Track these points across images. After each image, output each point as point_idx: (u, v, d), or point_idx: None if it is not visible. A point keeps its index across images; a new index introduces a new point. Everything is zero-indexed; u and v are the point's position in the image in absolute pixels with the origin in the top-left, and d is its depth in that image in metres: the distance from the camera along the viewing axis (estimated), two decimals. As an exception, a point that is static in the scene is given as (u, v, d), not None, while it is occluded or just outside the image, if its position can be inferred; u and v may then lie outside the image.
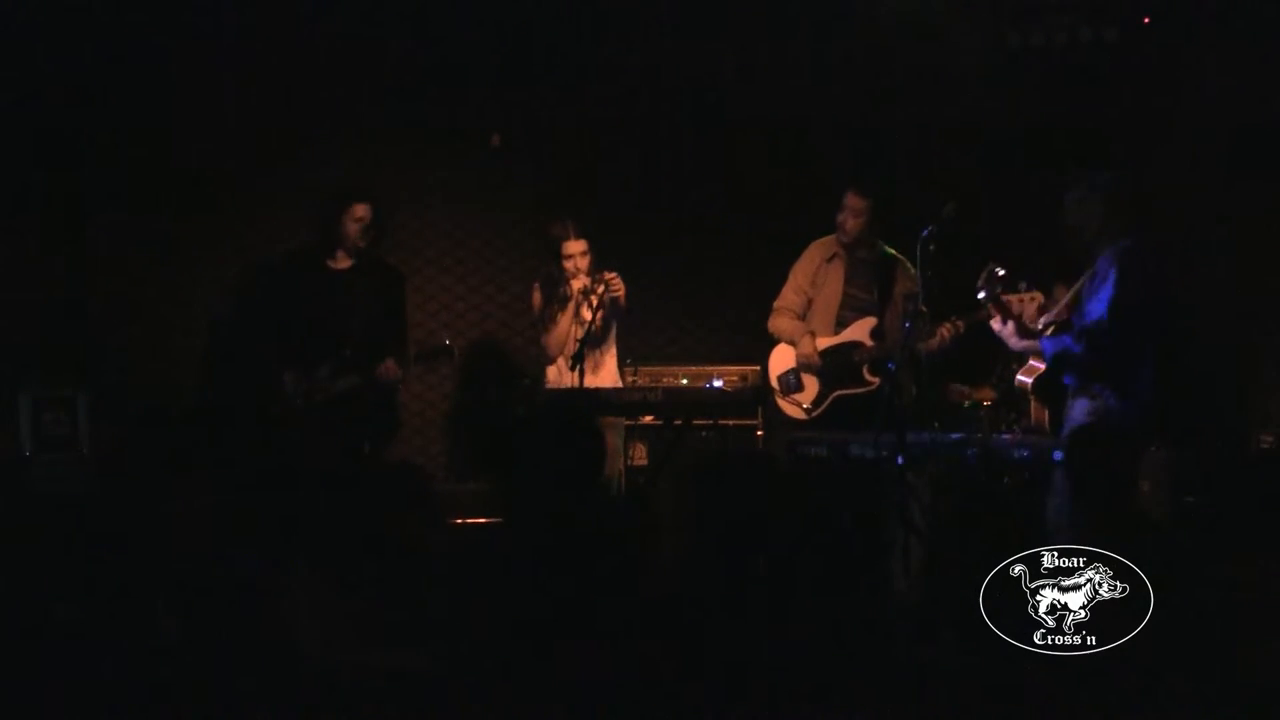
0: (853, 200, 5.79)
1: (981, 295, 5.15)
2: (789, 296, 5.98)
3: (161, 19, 6.77)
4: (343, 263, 5.95)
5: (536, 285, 6.03)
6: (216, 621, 4.64)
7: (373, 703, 3.97)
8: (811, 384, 5.85)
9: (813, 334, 5.85)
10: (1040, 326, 5.11)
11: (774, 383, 5.96)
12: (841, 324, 5.84)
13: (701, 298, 7.23)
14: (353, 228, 5.88)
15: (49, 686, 4.13)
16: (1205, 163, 6.72)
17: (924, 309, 5.39)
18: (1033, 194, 6.49)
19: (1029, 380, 5.78)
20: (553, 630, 4.54)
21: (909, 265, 5.76)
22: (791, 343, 5.90)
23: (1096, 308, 4.87)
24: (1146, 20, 6.80)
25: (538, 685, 4.09)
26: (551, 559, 5.10)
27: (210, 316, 6.87)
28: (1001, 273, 5.10)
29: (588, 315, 5.82)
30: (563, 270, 5.87)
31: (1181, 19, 6.78)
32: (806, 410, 5.82)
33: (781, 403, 5.92)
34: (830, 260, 5.90)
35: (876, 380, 5.70)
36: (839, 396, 5.77)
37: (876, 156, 6.85)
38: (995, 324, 5.37)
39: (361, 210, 5.89)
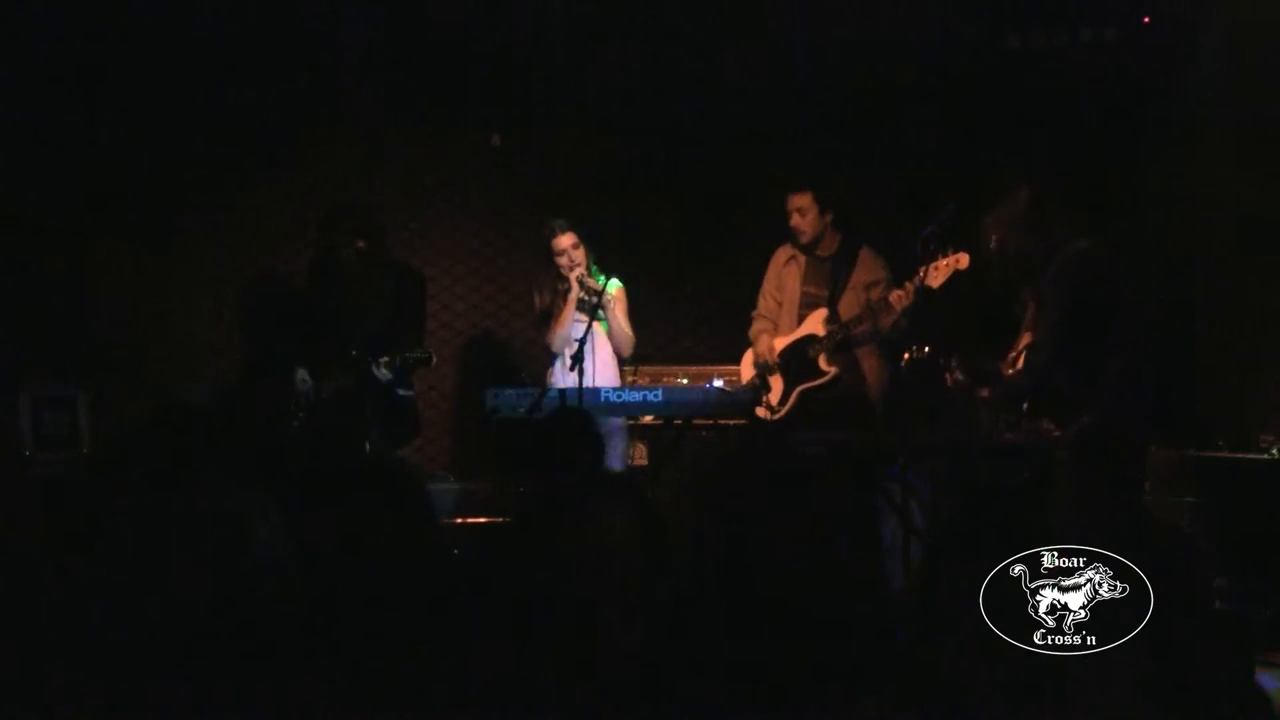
0: (792, 200, 5.82)
1: (947, 368, 5.15)
2: (762, 304, 6.07)
3: (162, 18, 6.78)
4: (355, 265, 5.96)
5: (534, 289, 6.07)
6: (217, 621, 4.62)
7: (372, 704, 3.95)
8: (776, 383, 5.90)
9: (770, 334, 5.90)
10: (1008, 365, 5.02)
11: None
12: (801, 323, 5.90)
13: (701, 298, 7.24)
14: (345, 253, 5.89)
15: (48, 687, 4.10)
16: (1206, 162, 6.71)
17: (890, 299, 5.47)
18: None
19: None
20: (550, 630, 4.52)
21: (875, 255, 5.80)
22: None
23: (1042, 327, 4.67)
24: (1146, 20, 6.80)
25: (535, 685, 4.07)
26: (550, 559, 5.07)
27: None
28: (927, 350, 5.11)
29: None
30: (557, 267, 5.89)
31: (1181, 19, 6.78)
32: (772, 410, 5.83)
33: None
34: (788, 263, 5.97)
35: (834, 369, 5.75)
36: (802, 391, 5.81)
37: (816, 155, 6.85)
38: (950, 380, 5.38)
39: (346, 250, 5.88)
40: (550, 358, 6.04)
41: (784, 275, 5.96)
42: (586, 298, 5.87)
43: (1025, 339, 4.97)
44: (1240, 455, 5.85)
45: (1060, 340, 4.61)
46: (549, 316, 5.96)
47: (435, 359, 5.89)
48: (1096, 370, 4.64)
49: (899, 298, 5.48)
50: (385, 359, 5.67)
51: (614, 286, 5.96)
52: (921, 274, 5.36)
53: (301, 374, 5.82)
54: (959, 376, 5.23)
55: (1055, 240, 4.68)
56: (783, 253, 6.01)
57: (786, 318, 5.93)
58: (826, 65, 7.03)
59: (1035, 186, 4.76)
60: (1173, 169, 6.69)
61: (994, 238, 4.79)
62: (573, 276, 5.86)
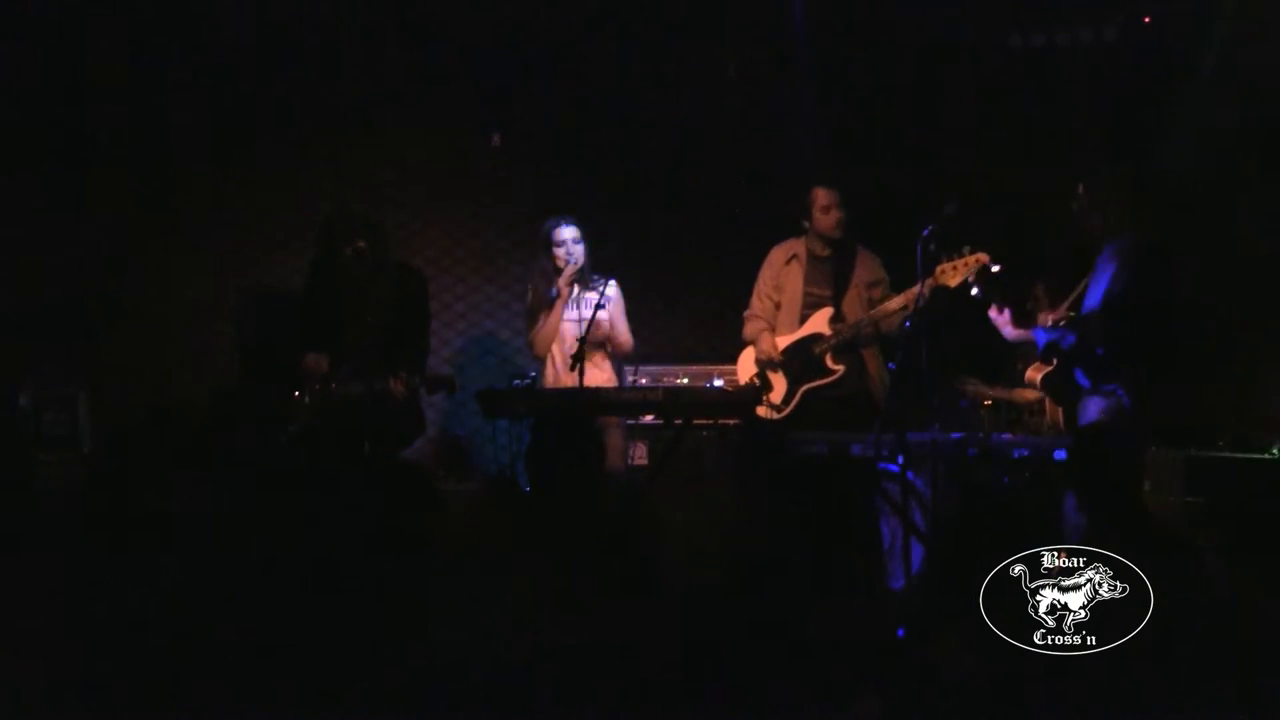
0: (826, 195, 5.80)
1: (974, 292, 5.24)
2: (757, 304, 6.02)
3: (162, 18, 6.78)
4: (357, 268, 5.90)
5: (530, 285, 6.05)
6: (217, 622, 4.64)
7: (369, 705, 3.96)
8: (779, 382, 5.87)
9: (771, 331, 5.88)
10: (1049, 322, 5.16)
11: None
12: (804, 323, 5.88)
13: (702, 298, 7.23)
14: (346, 253, 5.81)
15: (47, 687, 4.12)
16: (1206, 163, 6.72)
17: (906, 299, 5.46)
18: (1032, 192, 6.52)
19: (1038, 376, 5.79)
20: (548, 630, 4.54)
21: (872, 254, 5.80)
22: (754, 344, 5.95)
23: (1092, 300, 4.92)
24: (1147, 20, 6.80)
25: (535, 685, 4.09)
26: (550, 558, 5.09)
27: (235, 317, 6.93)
28: (996, 269, 5.20)
29: (587, 313, 5.83)
30: (554, 262, 5.88)
31: (1181, 19, 6.78)
32: (776, 408, 5.82)
33: None
34: (789, 262, 5.93)
35: (840, 368, 5.74)
36: (807, 390, 5.80)
37: (841, 149, 6.84)
38: (992, 312, 5.42)
39: (349, 249, 5.79)
40: (534, 357, 6.02)
41: (784, 275, 5.93)
42: (574, 296, 5.86)
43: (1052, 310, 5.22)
44: (1240, 455, 5.85)
45: (1124, 306, 4.95)
46: (531, 316, 5.95)
47: (459, 385, 5.87)
48: (1127, 351, 4.96)
49: (913, 298, 5.47)
50: (404, 375, 5.63)
51: (611, 287, 5.94)
52: (936, 273, 5.33)
53: (299, 389, 5.79)
54: (1040, 296, 5.42)
55: (1121, 227, 5.08)
56: (780, 253, 5.98)
57: (786, 318, 5.90)
58: (826, 65, 7.03)
59: (1126, 180, 5.22)
60: (1172, 168, 6.69)
61: (1088, 210, 5.13)
62: (567, 271, 5.83)
